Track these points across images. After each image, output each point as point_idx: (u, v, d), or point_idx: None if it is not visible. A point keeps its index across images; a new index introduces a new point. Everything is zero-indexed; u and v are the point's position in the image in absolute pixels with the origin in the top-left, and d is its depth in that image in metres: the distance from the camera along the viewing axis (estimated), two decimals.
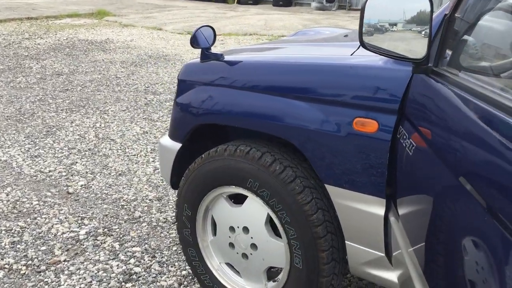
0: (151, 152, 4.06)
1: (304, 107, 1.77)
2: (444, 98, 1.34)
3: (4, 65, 7.22)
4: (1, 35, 9.80)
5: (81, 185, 3.42)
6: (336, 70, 1.73)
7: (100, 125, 4.68)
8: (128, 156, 3.98)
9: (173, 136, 2.24)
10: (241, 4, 17.89)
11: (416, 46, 1.44)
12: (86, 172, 3.64)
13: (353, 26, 12.30)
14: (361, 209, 1.69)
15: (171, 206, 3.16)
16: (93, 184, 3.45)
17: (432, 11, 1.39)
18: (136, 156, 3.99)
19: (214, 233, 2.11)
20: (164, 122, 4.82)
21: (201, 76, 2.10)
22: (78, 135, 4.41)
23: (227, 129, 2.23)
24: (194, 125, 2.11)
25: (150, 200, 3.25)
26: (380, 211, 1.65)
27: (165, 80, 6.59)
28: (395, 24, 1.51)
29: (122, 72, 7.01)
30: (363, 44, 1.52)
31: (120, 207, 3.15)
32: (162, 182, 3.52)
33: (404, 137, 1.53)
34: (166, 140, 2.27)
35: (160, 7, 16.23)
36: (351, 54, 1.81)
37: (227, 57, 2.07)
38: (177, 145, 2.20)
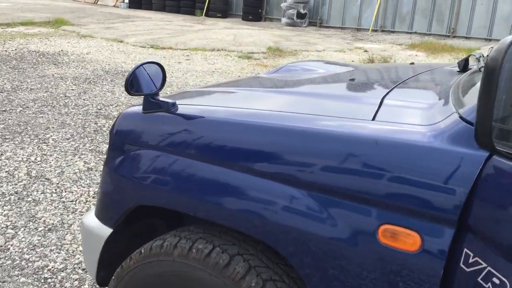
0: (93, 197, 3.33)
1: (298, 198, 1.12)
2: None
3: None
4: None
5: None
6: (350, 144, 1.09)
7: (35, 159, 3.91)
8: (64, 202, 3.24)
9: (101, 216, 1.55)
10: (209, 17, 17.27)
11: None
12: (6, 226, 2.89)
13: (326, 44, 11.86)
14: None
15: None
16: (12, 245, 2.70)
17: None
18: (74, 202, 3.25)
19: None
20: None
21: (144, 135, 1.43)
22: (6, 172, 3.64)
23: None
24: (130, 207, 1.43)
25: (83, 270, 2.53)
26: None
27: (121, 101, 5.86)
28: None
29: (72, 90, 6.23)
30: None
31: (43, 281, 2.42)
32: None
33: (473, 263, 0.90)
34: (91, 220, 1.58)
35: (123, 17, 15.43)
36: (373, 118, 1.16)
37: (182, 108, 1.41)
38: (106, 230, 1.51)
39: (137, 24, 13.50)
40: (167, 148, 1.35)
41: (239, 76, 7.64)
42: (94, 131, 4.71)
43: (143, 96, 1.41)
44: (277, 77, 1.81)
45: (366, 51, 10.97)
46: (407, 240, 0.99)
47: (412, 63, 2.11)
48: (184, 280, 1.30)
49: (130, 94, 1.40)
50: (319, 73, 1.86)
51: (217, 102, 1.52)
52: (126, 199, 1.44)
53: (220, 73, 7.89)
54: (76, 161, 3.92)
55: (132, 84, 1.38)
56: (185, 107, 1.41)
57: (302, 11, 15.62)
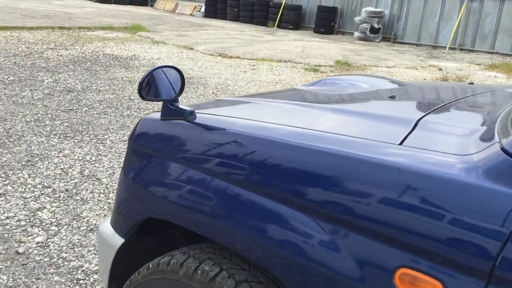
0: None
1: (314, 230, 1.00)
2: None
3: (16, 76, 6.73)
4: (26, 43, 9.44)
5: (37, 243, 2.72)
6: (369, 171, 0.95)
7: (90, 158, 4.01)
8: (109, 203, 3.27)
9: (115, 225, 1.49)
10: (281, 28, 17.30)
11: None
12: (51, 223, 2.94)
13: (398, 60, 11.47)
14: None
15: None
16: (52, 242, 2.74)
17: None
18: None
19: None
20: None
21: (159, 142, 1.36)
22: (61, 169, 3.74)
23: None
24: (141, 218, 1.36)
25: None
26: None
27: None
28: None
29: (137, 93, 6.39)
30: None
31: (75, 281, 2.42)
32: None
33: None
34: (106, 228, 1.53)
35: (197, 26, 15.81)
36: (401, 143, 1.01)
37: (201, 117, 1.32)
38: (119, 240, 1.45)
39: (210, 33, 13.76)
40: (181, 159, 1.27)
41: None
42: None
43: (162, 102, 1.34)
44: (313, 90, 1.68)
45: (440, 69, 10.48)
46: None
47: (472, 83, 1.90)
48: None
49: (143, 99, 1.33)
50: (360, 88, 1.70)
51: (240, 113, 1.42)
52: (137, 210, 1.37)
53: (283, 84, 7.82)
54: None
55: (148, 88, 1.31)
56: (204, 116, 1.32)
57: (376, 25, 15.25)
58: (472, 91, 1.61)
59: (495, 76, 10.07)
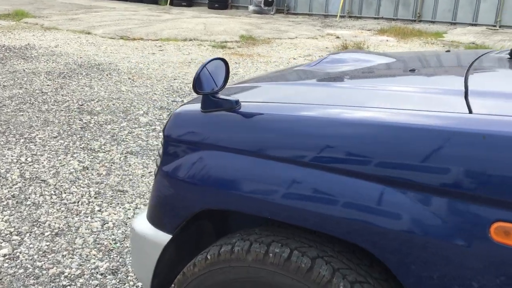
0: (95, 198, 3.21)
1: (400, 199, 1.09)
2: None
3: None
4: None
5: (4, 255, 2.54)
6: (455, 141, 1.06)
7: (26, 160, 3.74)
8: (65, 204, 3.11)
9: (158, 222, 1.47)
10: (174, 6, 16.96)
11: None
12: (10, 233, 2.75)
13: (297, 31, 11.82)
14: None
15: (132, 284, 2.37)
16: (20, 253, 2.57)
17: None
18: (76, 204, 3.13)
19: None
20: (108, 153, 3.96)
21: (206, 135, 1.36)
22: None
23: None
24: (193, 211, 1.37)
25: (101, 274, 2.43)
26: None
27: (102, 95, 5.67)
28: None
29: (48, 85, 5.99)
30: None
31: None
32: (115, 243, 2.71)
33: None
34: (145, 227, 1.50)
35: (86, 8, 14.96)
36: (470, 112, 1.13)
37: (246, 106, 1.34)
38: (164, 237, 1.44)
39: (102, 15, 13.11)
40: (237, 148, 1.28)
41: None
42: (81, 128, 4.55)
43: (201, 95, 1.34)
44: (331, 69, 1.74)
45: (338, 37, 11.03)
46: None
47: (448, 51, 2.09)
48: (259, 286, 1.25)
49: (197, 93, 1.32)
50: (374, 64, 1.79)
51: (282, 98, 1.44)
52: (189, 204, 1.37)
53: (197, 64, 7.76)
54: (69, 161, 3.77)
55: (197, 84, 1.30)
56: (251, 105, 1.34)
57: None
58: (468, 58, 1.79)
59: (387, 40, 10.83)
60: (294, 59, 8.44)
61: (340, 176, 1.15)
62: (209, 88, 1.33)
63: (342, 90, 1.45)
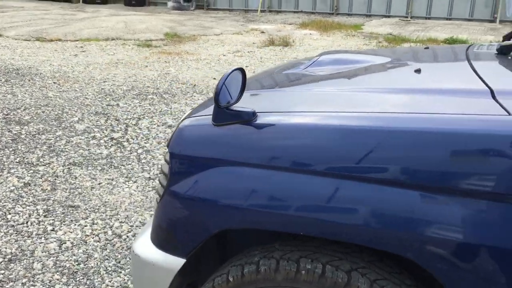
0: (45, 216, 2.97)
1: (444, 206, 1.07)
2: None
3: None
4: None
5: None
6: (502, 142, 1.05)
7: None
8: (13, 226, 2.84)
9: (168, 246, 1.36)
10: (87, 4, 16.20)
11: None
12: None
13: (222, 27, 11.71)
14: None
15: None
16: None
17: None
18: (25, 225, 2.87)
19: None
20: (49, 166, 3.67)
21: (222, 150, 1.26)
22: None
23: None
24: (212, 233, 1.27)
25: None
26: None
27: (28, 103, 5.27)
28: None
29: None
30: None
31: None
32: (78, 264, 2.52)
33: None
34: (150, 251, 1.38)
35: None
36: (509, 114, 1.11)
37: (264, 117, 1.26)
38: (177, 261, 1.33)
39: (11, 15, 12.22)
40: (259, 163, 1.21)
41: (146, 66, 7.29)
42: (12, 140, 4.19)
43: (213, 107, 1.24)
44: (331, 72, 1.67)
45: (263, 32, 11.08)
46: None
47: (427, 48, 2.12)
48: None
49: (219, 107, 1.22)
50: (372, 64, 1.76)
51: (297, 105, 1.36)
52: (207, 224, 1.27)
53: (125, 64, 7.45)
54: (7, 177, 3.46)
55: (218, 96, 1.20)
56: (268, 115, 1.26)
57: None
58: (459, 53, 1.82)
59: (311, 34, 11.05)
60: (224, 55, 8.36)
61: (378, 185, 1.12)
62: (225, 100, 1.24)
63: (359, 96, 1.40)
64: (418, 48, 3.05)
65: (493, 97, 1.20)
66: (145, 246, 1.42)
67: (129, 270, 2.49)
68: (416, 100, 1.30)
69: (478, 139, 1.07)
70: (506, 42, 1.70)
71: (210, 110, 1.33)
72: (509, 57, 1.60)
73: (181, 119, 1.45)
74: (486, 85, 1.29)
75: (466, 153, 1.08)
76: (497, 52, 1.67)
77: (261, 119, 1.25)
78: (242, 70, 1.31)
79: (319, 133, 1.20)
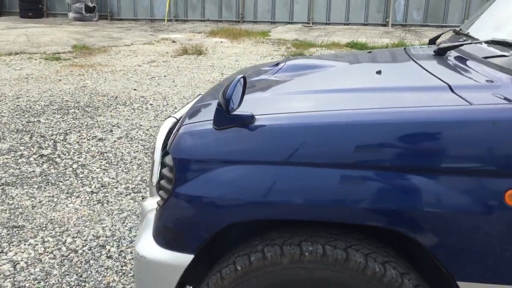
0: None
1: (429, 185, 1.28)
2: None
3: None
4: None
5: None
6: (471, 128, 1.29)
7: None
8: (3, 236, 2.70)
9: (176, 244, 1.45)
10: None
11: None
12: None
13: (131, 38, 11.51)
14: None
15: None
16: None
17: None
18: None
19: None
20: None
21: (228, 151, 1.38)
22: None
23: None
24: (220, 227, 1.39)
25: None
26: None
27: None
28: None
29: None
30: None
31: None
32: (38, 282, 2.47)
33: None
34: (157, 251, 1.46)
35: None
36: (470, 104, 1.35)
37: (261, 120, 1.40)
38: (185, 258, 1.43)
39: None
40: (261, 161, 1.34)
41: (60, 80, 7.05)
42: None
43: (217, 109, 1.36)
44: (302, 75, 1.85)
45: (174, 41, 11.10)
46: None
47: (370, 52, 2.36)
48: (299, 284, 1.35)
49: (229, 114, 1.33)
50: (337, 68, 1.97)
51: (288, 108, 1.50)
52: (216, 219, 1.38)
53: (36, 79, 7.15)
54: None
55: (227, 102, 1.31)
56: (265, 117, 1.40)
57: (90, 4, 14.86)
58: (402, 56, 2.05)
59: (221, 41, 11.26)
60: (139, 66, 8.30)
61: (370, 171, 1.31)
62: (227, 106, 1.36)
63: (339, 95, 1.58)
64: (363, 52, 3.32)
65: (452, 91, 1.45)
66: (149, 248, 1.49)
67: (93, 282, 2.49)
68: (387, 97, 1.51)
69: (450, 126, 1.31)
70: (443, 45, 1.99)
71: (207, 115, 1.45)
72: (445, 57, 1.89)
73: (177, 126, 1.55)
74: (443, 81, 1.54)
75: (441, 138, 1.31)
76: (434, 54, 1.94)
77: (259, 121, 1.39)
78: (244, 78, 1.44)
79: (311, 130, 1.38)
